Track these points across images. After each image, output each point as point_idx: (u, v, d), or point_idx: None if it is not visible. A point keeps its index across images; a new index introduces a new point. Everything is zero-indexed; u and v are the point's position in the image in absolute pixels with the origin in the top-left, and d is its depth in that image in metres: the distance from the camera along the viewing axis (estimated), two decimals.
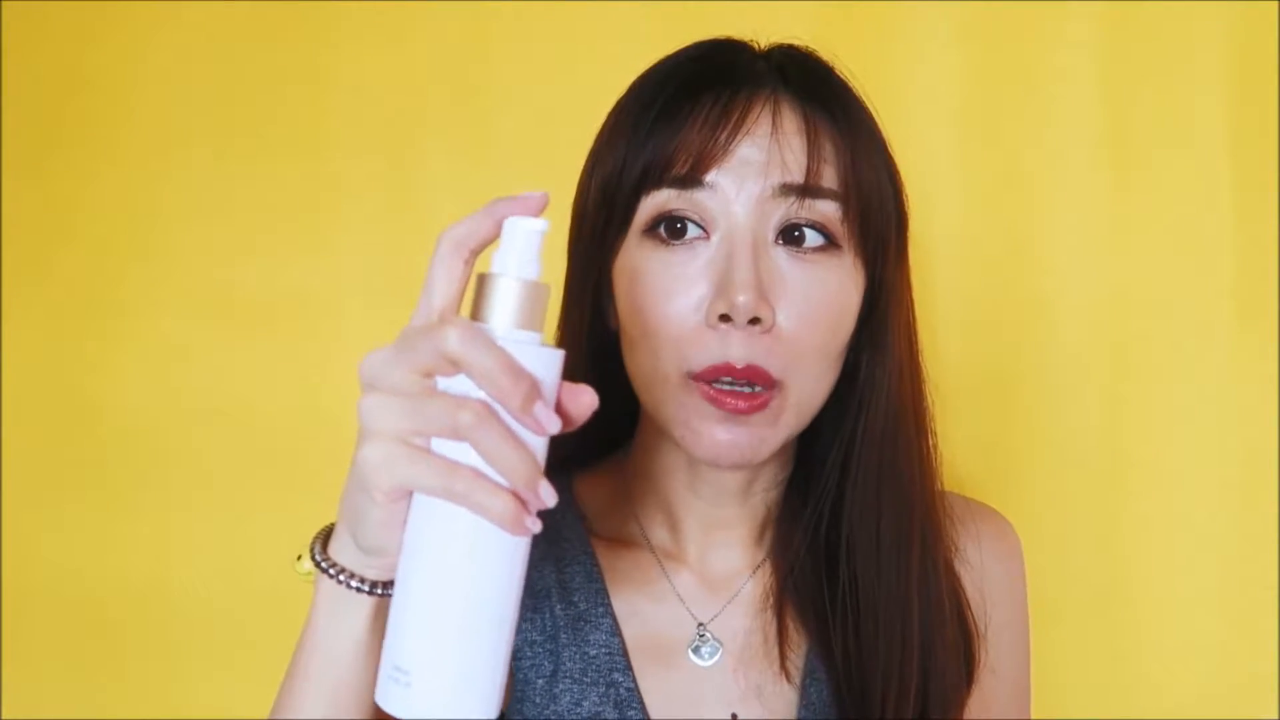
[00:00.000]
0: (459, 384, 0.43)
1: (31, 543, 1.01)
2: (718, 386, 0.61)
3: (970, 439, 0.97)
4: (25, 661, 1.01)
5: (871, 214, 0.64)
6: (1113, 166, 0.97)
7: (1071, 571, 0.97)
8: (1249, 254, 0.95)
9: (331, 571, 0.50)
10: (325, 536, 0.52)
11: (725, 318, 0.59)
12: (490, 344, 0.43)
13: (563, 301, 0.70)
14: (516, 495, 0.43)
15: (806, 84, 0.64)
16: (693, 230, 0.61)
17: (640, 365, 0.64)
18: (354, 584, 0.49)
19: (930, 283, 0.97)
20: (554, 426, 0.44)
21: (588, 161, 0.68)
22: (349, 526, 0.48)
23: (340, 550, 0.50)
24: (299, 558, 0.53)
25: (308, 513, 1.00)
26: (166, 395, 1.00)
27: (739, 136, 0.61)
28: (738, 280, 0.59)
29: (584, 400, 0.47)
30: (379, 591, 0.49)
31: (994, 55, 0.97)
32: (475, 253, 0.47)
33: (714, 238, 0.61)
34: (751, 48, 0.68)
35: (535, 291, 0.45)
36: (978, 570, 0.73)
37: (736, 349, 0.60)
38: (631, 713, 0.67)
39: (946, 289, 0.98)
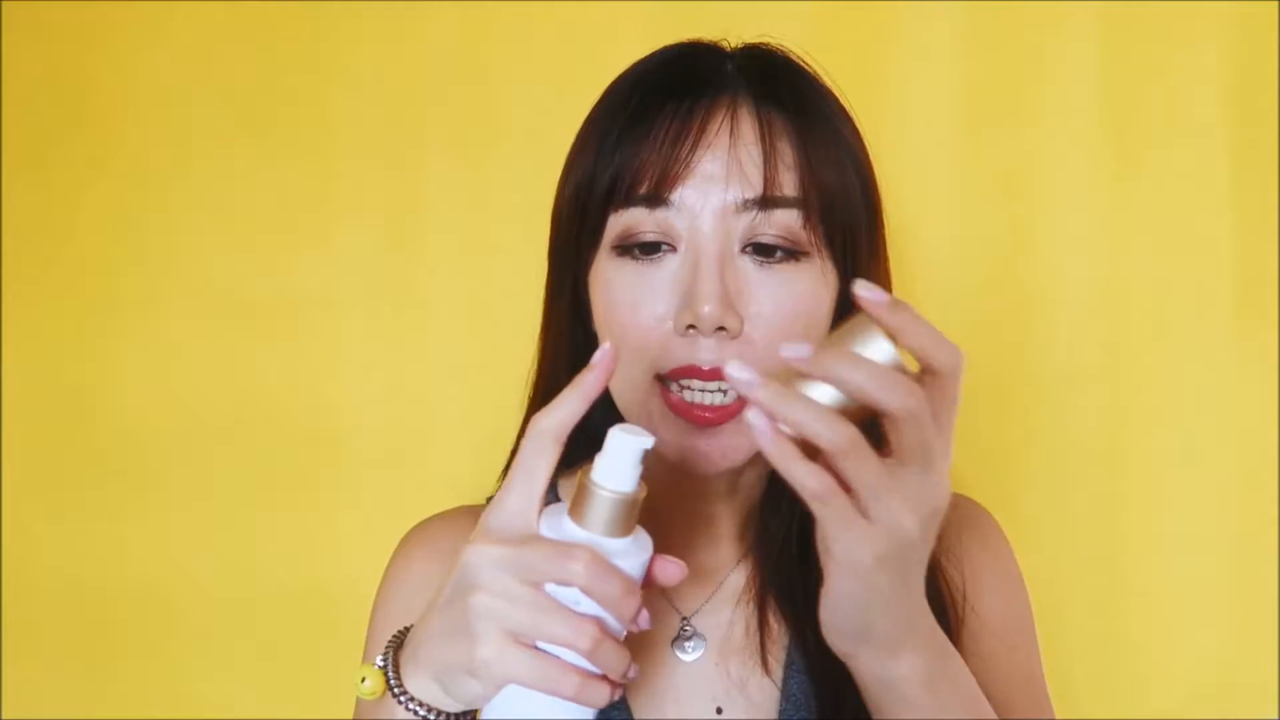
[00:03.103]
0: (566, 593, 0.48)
1: (32, 542, 1.01)
2: (686, 392, 0.62)
3: (969, 438, 0.97)
4: (25, 661, 1.01)
5: (835, 214, 0.63)
6: (1113, 165, 0.97)
7: (1071, 571, 0.97)
8: (1248, 253, 0.95)
9: (417, 710, 0.52)
10: (394, 649, 0.54)
11: (692, 327, 0.60)
12: (612, 572, 0.48)
13: (544, 302, 0.71)
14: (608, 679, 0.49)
15: (765, 85, 0.64)
16: (660, 246, 0.62)
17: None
18: (436, 718, 0.52)
19: (930, 282, 0.97)
20: (647, 626, 0.50)
21: (564, 166, 0.68)
22: (441, 681, 0.50)
23: (422, 689, 0.52)
24: (363, 680, 0.54)
25: (307, 511, 1.00)
26: (166, 395, 1.01)
27: (700, 150, 0.61)
28: (703, 292, 0.60)
29: (671, 571, 0.52)
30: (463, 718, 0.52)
31: (993, 55, 0.97)
32: (565, 437, 0.50)
33: (680, 250, 0.62)
34: (720, 49, 0.67)
35: (633, 501, 0.50)
36: (957, 557, 0.73)
37: (705, 354, 0.61)
38: (614, 712, 0.67)
39: (946, 289, 0.97)
